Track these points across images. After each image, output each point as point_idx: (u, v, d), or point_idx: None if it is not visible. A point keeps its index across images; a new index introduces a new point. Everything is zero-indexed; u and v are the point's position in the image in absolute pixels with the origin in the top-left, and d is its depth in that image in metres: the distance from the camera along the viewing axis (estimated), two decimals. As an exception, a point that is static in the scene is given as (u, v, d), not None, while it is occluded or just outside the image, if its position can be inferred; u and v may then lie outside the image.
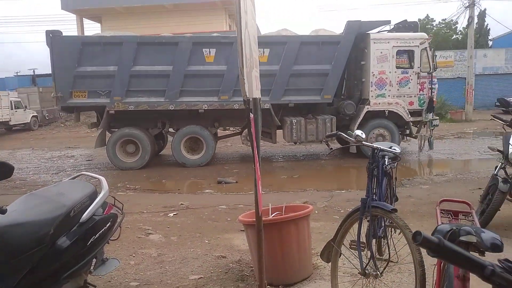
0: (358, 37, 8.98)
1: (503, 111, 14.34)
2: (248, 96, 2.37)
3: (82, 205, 2.26)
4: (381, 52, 9.03)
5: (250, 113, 2.40)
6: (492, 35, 36.37)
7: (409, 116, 9.06)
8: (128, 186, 7.42)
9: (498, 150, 4.32)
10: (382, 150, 2.57)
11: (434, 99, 9.39)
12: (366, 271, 2.47)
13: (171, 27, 15.31)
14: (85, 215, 2.23)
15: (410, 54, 9.11)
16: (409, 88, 9.17)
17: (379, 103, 9.09)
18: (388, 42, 9.07)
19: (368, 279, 2.51)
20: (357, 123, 9.03)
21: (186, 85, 8.70)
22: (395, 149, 2.61)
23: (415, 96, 9.21)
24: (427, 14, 36.11)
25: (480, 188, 5.33)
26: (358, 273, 2.52)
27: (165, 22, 15.21)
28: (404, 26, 9.67)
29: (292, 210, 3.45)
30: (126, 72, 8.51)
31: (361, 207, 2.46)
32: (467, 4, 17.57)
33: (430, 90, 9.20)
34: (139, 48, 8.54)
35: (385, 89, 9.12)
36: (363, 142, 2.53)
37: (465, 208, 2.45)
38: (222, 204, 5.66)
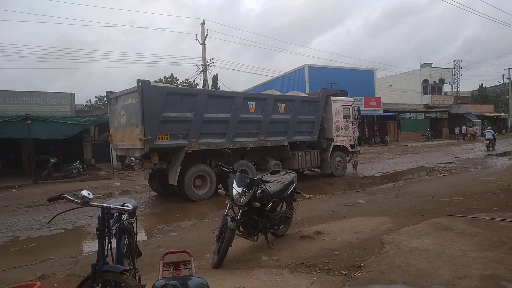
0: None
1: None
2: None
3: None
4: (336, 109, 13.72)
5: None
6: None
7: (351, 148, 14.26)
8: None
9: (226, 193, 5.03)
10: (114, 209, 2.48)
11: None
12: None
13: None
14: None
15: (348, 110, 14.12)
16: (349, 131, 14.27)
17: (338, 140, 13.80)
18: (339, 103, 13.88)
19: None
20: (329, 152, 13.45)
21: (239, 129, 10.84)
22: (127, 206, 2.57)
23: (351, 136, 14.41)
24: (172, 74, 39.99)
25: (218, 228, 5.98)
26: None
27: None
28: (341, 92, 14.59)
29: (13, 293, 2.81)
30: (200, 118, 9.95)
31: (91, 274, 2.25)
32: (201, 69, 20.67)
33: (358, 132, 15.01)
34: (208, 100, 10.14)
35: (340, 132, 13.89)
36: (90, 202, 2.37)
37: (186, 257, 2.68)
38: None
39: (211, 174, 10.35)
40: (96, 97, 43.47)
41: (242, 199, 4.71)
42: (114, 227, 2.85)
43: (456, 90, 53.13)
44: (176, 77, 40.00)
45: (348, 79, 33.02)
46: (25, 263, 5.55)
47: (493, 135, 23.62)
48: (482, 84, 65.21)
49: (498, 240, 4.86)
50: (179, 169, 9.73)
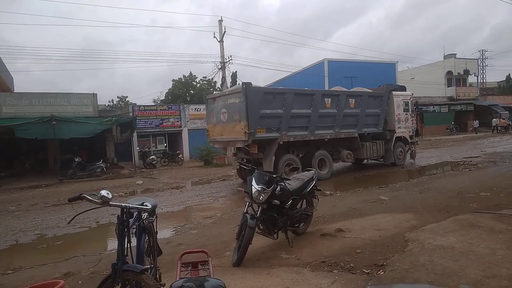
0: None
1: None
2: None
3: None
4: (397, 102, 14.75)
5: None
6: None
7: (410, 139, 15.40)
8: None
9: (245, 191, 5.01)
10: (133, 208, 2.49)
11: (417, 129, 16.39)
12: None
13: None
14: None
15: (407, 104, 15.24)
16: (408, 123, 15.36)
17: (399, 132, 14.87)
18: (399, 97, 14.92)
19: None
20: (393, 143, 14.56)
21: (318, 122, 12.15)
22: (147, 205, 2.59)
23: (410, 127, 15.53)
24: (190, 72, 40.32)
25: (238, 226, 5.97)
26: None
27: None
28: (400, 88, 15.74)
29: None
30: (288, 113, 11.35)
31: (112, 273, 2.28)
32: (220, 67, 20.70)
33: (416, 124, 15.97)
34: (294, 97, 11.52)
35: (400, 124, 14.92)
36: (110, 202, 2.39)
37: (204, 257, 2.67)
38: None
39: (297, 162, 11.84)
40: (118, 97, 44.41)
41: (261, 197, 4.68)
42: (134, 226, 2.88)
43: (482, 81, 51.30)
44: (195, 75, 40.37)
45: (369, 72, 32.40)
46: (51, 261, 5.71)
47: None
48: (509, 74, 62.63)
49: (529, 238, 4.66)
50: (273, 158, 11.27)
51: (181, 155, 22.65)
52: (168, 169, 20.52)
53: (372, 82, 28.11)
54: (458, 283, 3.53)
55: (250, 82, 10.81)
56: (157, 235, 3.66)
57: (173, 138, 25.51)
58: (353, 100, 13.24)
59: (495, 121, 35.96)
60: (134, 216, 2.86)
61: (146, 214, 2.97)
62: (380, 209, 7.20)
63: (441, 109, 38.64)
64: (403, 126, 15.16)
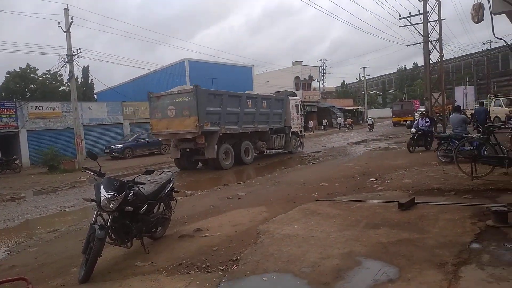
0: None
1: (111, 157, 16.50)
2: None
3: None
4: (292, 105, 18.79)
5: None
6: (97, 89, 40.39)
7: (300, 133, 19.65)
8: None
9: (92, 200, 4.56)
10: None
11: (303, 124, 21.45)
12: None
13: None
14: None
15: (297, 106, 19.43)
16: (299, 121, 19.59)
17: (294, 127, 18.86)
18: (293, 100, 19.12)
19: None
20: (290, 135, 18.50)
21: (244, 119, 15.48)
22: None
23: (300, 124, 19.70)
24: (27, 63, 34.73)
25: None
26: None
27: None
28: (291, 93, 20.70)
29: None
30: (225, 111, 14.28)
31: None
32: (66, 60, 18.47)
33: (303, 122, 21.09)
34: (228, 98, 14.67)
35: (294, 121, 18.93)
36: None
37: (24, 285, 2.29)
38: None
39: (232, 150, 14.86)
40: None
41: (111, 205, 4.32)
42: None
43: (323, 86, 59.19)
44: (35, 67, 35.12)
45: (228, 74, 33.73)
46: None
47: (372, 121, 34.77)
48: (344, 81, 74.22)
49: (355, 220, 5.52)
50: (215, 147, 13.76)
51: (18, 161, 19.41)
52: (2, 178, 17.34)
53: (231, 84, 29.46)
54: (300, 267, 3.93)
55: (199, 85, 13.38)
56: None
57: (8, 142, 21.64)
58: (265, 102, 16.73)
59: (325, 121, 42.79)
60: None
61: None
62: (237, 204, 7.54)
63: (291, 110, 42.91)
64: (296, 123, 19.24)
